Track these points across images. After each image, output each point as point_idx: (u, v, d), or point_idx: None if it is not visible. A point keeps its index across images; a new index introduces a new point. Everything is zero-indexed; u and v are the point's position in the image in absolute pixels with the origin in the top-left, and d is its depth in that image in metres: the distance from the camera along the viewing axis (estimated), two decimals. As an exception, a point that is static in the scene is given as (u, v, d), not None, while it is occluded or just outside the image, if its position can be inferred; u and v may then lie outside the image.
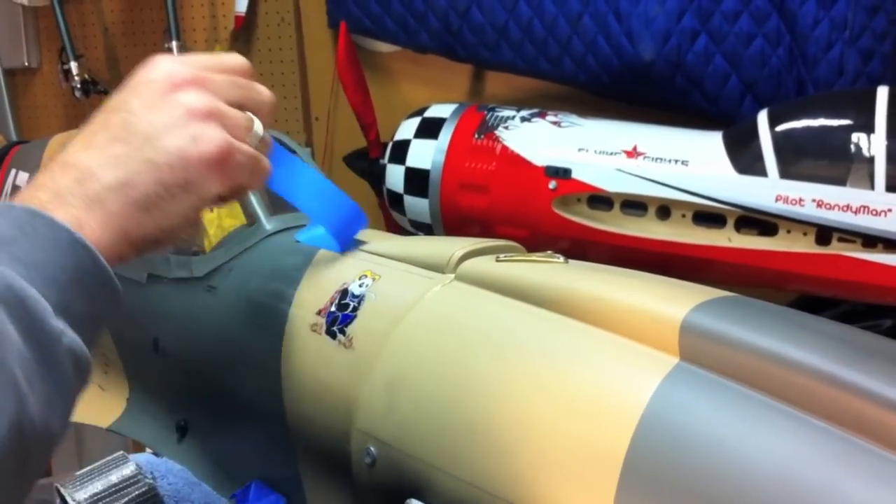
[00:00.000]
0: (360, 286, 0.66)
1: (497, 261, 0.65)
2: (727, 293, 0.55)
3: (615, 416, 0.48)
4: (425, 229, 1.19)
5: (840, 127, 0.94)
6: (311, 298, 0.69)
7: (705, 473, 0.44)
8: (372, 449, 0.59)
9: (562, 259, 0.64)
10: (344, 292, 0.67)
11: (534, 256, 0.65)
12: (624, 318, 0.53)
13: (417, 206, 1.17)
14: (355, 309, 0.65)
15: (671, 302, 0.53)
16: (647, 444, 0.46)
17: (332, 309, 0.67)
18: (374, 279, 0.67)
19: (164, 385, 0.85)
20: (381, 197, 1.23)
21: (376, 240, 0.75)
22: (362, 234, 0.76)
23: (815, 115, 0.98)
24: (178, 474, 0.76)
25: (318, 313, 0.67)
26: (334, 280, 0.69)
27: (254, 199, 0.79)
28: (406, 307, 0.63)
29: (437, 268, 0.66)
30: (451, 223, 1.16)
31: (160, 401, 0.86)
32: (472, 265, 0.65)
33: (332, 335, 0.65)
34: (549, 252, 0.65)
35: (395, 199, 1.19)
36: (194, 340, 0.78)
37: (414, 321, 0.62)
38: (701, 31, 1.13)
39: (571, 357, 0.54)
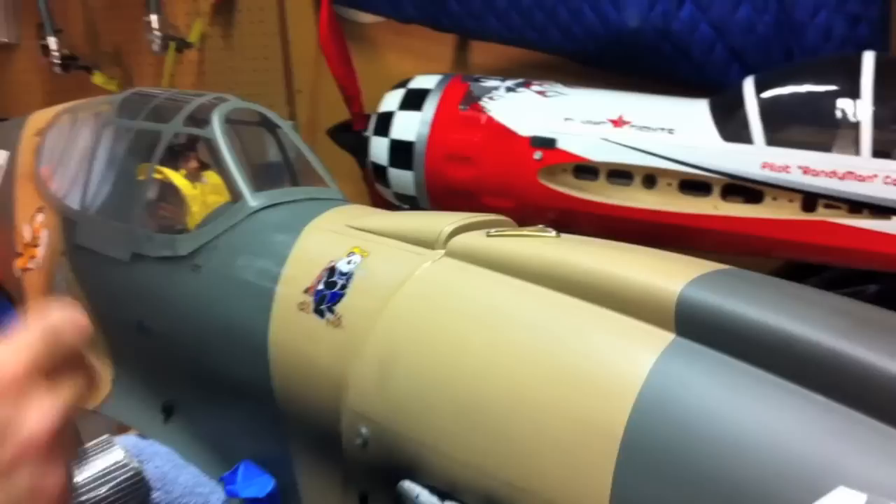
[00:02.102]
0: (349, 263, 0.65)
1: (488, 236, 0.63)
2: (723, 266, 0.54)
3: (612, 393, 0.47)
4: (410, 202, 1.18)
5: (826, 93, 0.94)
6: (298, 276, 0.68)
7: (703, 449, 0.44)
8: (363, 429, 0.58)
9: (553, 233, 0.63)
10: (332, 270, 0.66)
11: (525, 231, 0.64)
12: (618, 293, 0.52)
13: (402, 178, 1.16)
14: (344, 287, 0.64)
15: (667, 276, 0.51)
16: (645, 421, 0.46)
17: (320, 287, 0.65)
18: (362, 256, 0.66)
19: (149, 366, 0.84)
20: (366, 169, 1.22)
21: (364, 216, 0.73)
22: (350, 210, 0.75)
23: (800, 82, 0.97)
24: (165, 457, 0.75)
25: (306, 291, 0.66)
26: (322, 257, 0.67)
27: (237, 175, 0.78)
28: (396, 284, 0.62)
29: (426, 243, 0.65)
30: (436, 195, 1.15)
31: (145, 382, 0.85)
32: (462, 240, 0.64)
33: (321, 314, 0.64)
34: (540, 226, 0.64)
35: (380, 172, 1.18)
36: (180, 320, 0.77)
37: (404, 298, 0.61)
38: (687, -3, 1.11)
39: (566, 333, 0.53)
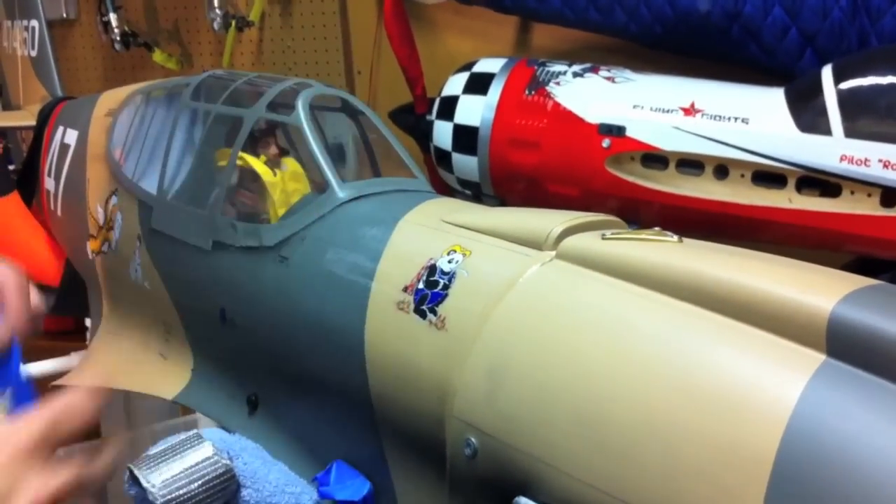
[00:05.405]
0: (450, 262, 0.62)
1: (603, 238, 0.59)
2: (875, 282, 0.50)
3: (761, 417, 0.44)
4: (473, 187, 1.18)
5: (909, 83, 0.91)
6: (394, 273, 0.65)
7: (858, 481, 0.41)
8: (472, 439, 0.55)
9: (675, 238, 0.58)
10: (432, 268, 0.62)
11: (644, 234, 0.59)
12: (762, 308, 0.48)
13: (466, 163, 1.16)
14: (446, 287, 0.61)
15: (817, 291, 0.47)
16: (798, 449, 0.42)
17: (420, 286, 0.62)
18: (464, 255, 0.62)
19: (231, 357, 0.82)
20: (428, 153, 1.22)
21: (458, 210, 0.69)
22: (443, 203, 0.71)
23: (883, 71, 0.94)
24: (253, 453, 0.73)
25: (405, 290, 0.63)
26: (420, 254, 0.64)
27: (325, 165, 0.75)
28: (504, 287, 0.58)
29: (533, 244, 0.61)
30: (500, 181, 1.15)
31: (227, 373, 0.83)
32: (575, 242, 0.59)
33: (422, 314, 0.61)
34: (657, 229, 0.59)
35: (443, 156, 1.18)
36: (266, 312, 0.75)
37: (514, 302, 0.57)
38: (760, -20, 1.09)
39: (701, 348, 0.49)
